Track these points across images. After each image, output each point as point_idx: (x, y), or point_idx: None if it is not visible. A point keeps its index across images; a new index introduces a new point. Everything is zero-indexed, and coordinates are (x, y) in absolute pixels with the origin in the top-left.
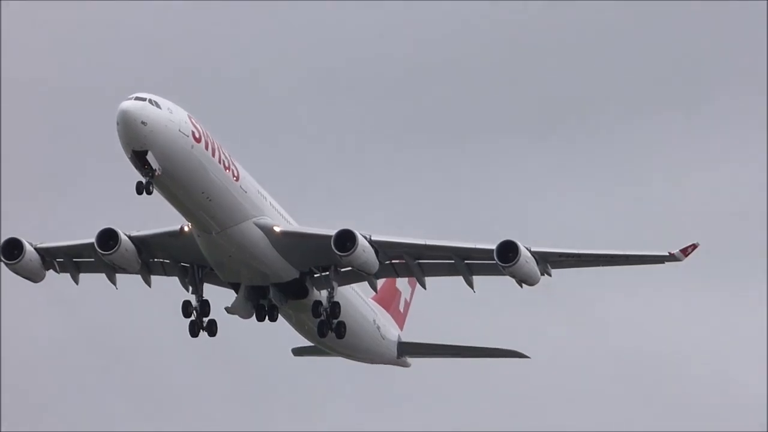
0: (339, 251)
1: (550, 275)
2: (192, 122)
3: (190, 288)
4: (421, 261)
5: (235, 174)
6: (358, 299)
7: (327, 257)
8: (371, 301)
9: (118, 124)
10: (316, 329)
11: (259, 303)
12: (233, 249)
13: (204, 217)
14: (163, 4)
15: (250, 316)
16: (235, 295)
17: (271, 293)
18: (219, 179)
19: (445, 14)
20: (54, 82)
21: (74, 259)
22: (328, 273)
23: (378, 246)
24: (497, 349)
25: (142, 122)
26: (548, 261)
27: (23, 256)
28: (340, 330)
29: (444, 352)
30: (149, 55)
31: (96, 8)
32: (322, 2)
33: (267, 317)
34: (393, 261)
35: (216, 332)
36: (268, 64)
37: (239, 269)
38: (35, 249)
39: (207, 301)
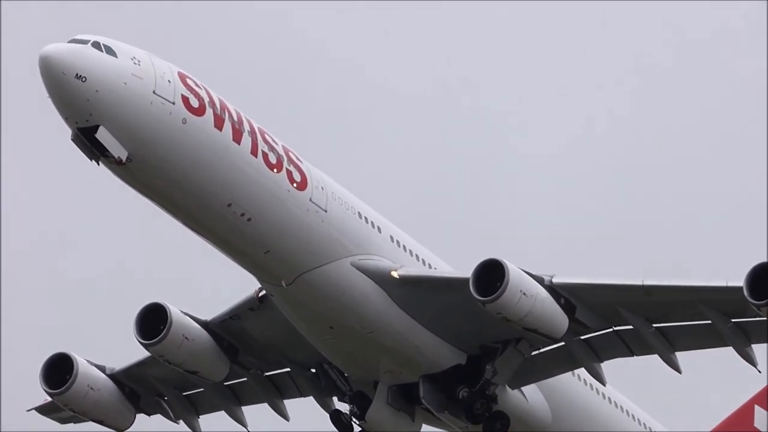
0: (480, 296)
1: None
2: (186, 84)
3: (334, 396)
4: (660, 325)
5: (296, 179)
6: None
7: (490, 320)
8: None
9: (44, 84)
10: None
11: (412, 410)
12: (328, 310)
13: (252, 253)
14: (165, 4)
15: None
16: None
17: (422, 392)
18: (259, 183)
19: None
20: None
21: (183, 393)
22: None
23: (566, 292)
24: None
25: (78, 76)
26: None
27: (74, 382)
28: (495, 425)
29: None
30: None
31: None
32: None
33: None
34: (617, 328)
35: None
36: None
37: (361, 352)
38: (109, 376)
39: (360, 392)
